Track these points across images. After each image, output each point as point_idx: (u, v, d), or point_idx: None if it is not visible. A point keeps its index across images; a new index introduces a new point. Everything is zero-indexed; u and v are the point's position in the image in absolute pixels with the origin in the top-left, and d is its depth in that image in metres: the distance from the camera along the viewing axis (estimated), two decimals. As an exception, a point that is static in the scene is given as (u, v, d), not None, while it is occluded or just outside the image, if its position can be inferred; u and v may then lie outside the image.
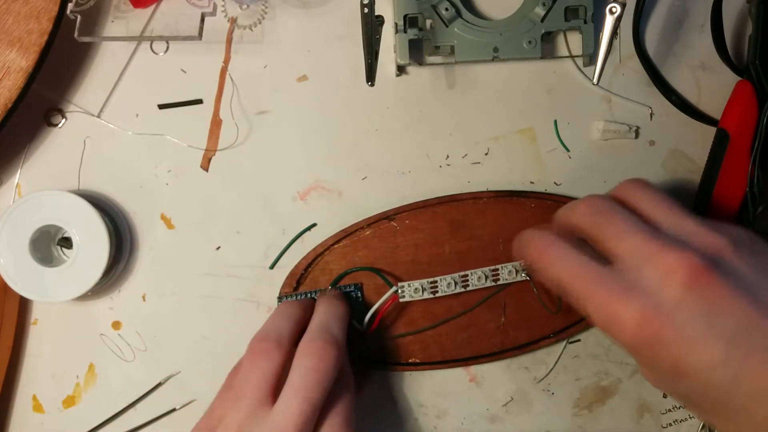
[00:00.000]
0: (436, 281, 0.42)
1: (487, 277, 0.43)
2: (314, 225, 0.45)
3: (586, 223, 0.35)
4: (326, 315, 0.39)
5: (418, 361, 0.44)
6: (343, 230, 0.44)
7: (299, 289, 0.43)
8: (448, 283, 0.42)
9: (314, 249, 0.44)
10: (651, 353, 0.32)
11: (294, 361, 0.36)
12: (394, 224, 0.44)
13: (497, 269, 0.43)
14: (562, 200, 0.44)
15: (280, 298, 0.43)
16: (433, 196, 0.44)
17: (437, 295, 0.42)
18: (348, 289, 0.43)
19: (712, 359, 0.30)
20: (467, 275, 0.43)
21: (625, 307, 0.31)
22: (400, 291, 0.42)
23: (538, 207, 0.44)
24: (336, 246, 0.44)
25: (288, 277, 0.43)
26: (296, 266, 0.44)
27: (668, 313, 0.31)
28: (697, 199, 0.45)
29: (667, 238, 0.33)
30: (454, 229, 0.43)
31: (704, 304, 0.30)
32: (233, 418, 0.35)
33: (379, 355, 0.44)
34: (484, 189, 0.45)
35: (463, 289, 0.43)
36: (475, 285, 0.43)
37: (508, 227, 0.43)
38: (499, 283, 0.43)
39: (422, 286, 0.42)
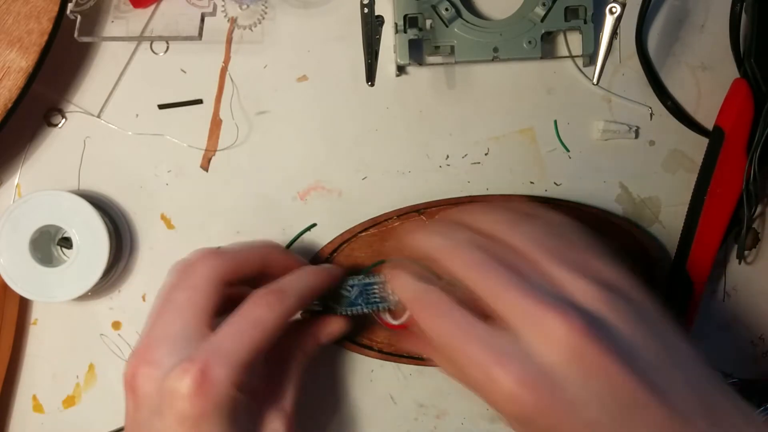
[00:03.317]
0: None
1: None
2: (314, 225, 0.45)
3: (469, 278, 0.33)
4: (298, 280, 0.38)
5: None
6: (371, 219, 0.43)
7: None
8: None
9: (341, 235, 0.43)
10: (528, 418, 0.31)
11: (246, 303, 0.35)
12: (424, 218, 0.43)
13: None
14: (591, 211, 0.44)
15: None
16: (432, 197, 0.44)
17: None
18: (375, 280, 0.40)
19: (589, 423, 0.30)
20: None
21: (502, 371, 0.30)
22: None
23: (568, 216, 0.43)
24: (363, 234, 0.43)
25: (312, 260, 0.43)
26: (322, 250, 0.43)
27: (547, 376, 0.30)
28: (693, 197, 0.45)
29: (545, 293, 0.31)
30: None
31: (581, 365, 0.30)
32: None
33: (386, 347, 0.44)
34: (485, 189, 0.45)
35: None
36: None
37: None
38: None
39: None
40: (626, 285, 0.33)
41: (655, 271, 0.44)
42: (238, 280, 0.37)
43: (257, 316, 0.35)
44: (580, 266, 0.33)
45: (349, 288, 0.40)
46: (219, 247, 0.38)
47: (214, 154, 0.45)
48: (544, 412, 0.30)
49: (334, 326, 0.41)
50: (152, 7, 0.44)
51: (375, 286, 0.40)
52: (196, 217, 0.45)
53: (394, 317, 0.41)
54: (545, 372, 0.30)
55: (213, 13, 0.42)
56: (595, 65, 0.39)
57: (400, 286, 0.36)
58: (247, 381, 0.33)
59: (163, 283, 0.37)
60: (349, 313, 0.40)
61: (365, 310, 0.40)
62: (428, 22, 0.43)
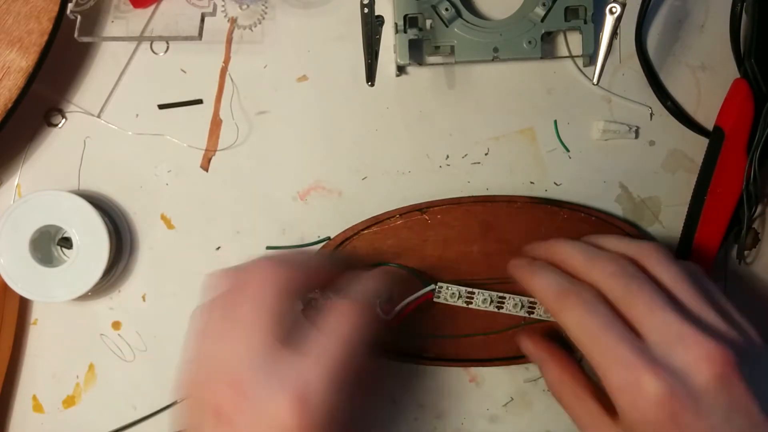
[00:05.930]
0: (473, 293, 0.42)
1: (522, 306, 0.42)
2: (328, 238, 0.44)
3: (614, 286, 0.35)
4: (372, 284, 0.38)
5: (432, 356, 0.44)
6: (374, 217, 0.43)
7: None
8: (484, 299, 0.42)
9: (343, 232, 0.43)
10: (657, 427, 0.32)
11: (330, 313, 0.34)
12: (426, 217, 0.43)
13: (535, 303, 0.42)
14: (594, 214, 0.44)
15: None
16: (433, 197, 0.44)
17: (470, 306, 0.42)
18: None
19: None
20: (504, 298, 0.42)
21: (652, 379, 0.32)
22: (436, 290, 0.42)
23: (570, 218, 0.43)
24: (365, 232, 0.43)
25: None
26: (323, 248, 0.44)
27: (694, 397, 0.31)
28: (693, 197, 0.45)
29: (699, 322, 0.33)
30: (484, 230, 0.43)
31: (728, 397, 0.31)
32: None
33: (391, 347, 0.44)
34: (485, 189, 0.45)
35: (496, 310, 0.42)
36: (509, 311, 0.42)
37: (538, 234, 0.43)
38: (532, 316, 0.43)
39: (459, 293, 0.42)
40: (755, 335, 0.35)
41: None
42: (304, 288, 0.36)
43: (342, 332, 0.33)
44: (721, 311, 0.35)
45: None
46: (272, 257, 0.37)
47: (214, 154, 0.45)
48: (680, 428, 0.31)
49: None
50: (152, 7, 0.44)
51: None
52: (196, 217, 0.45)
53: (384, 312, 0.41)
54: (693, 393, 0.31)
55: (213, 13, 0.42)
56: (595, 65, 0.39)
57: (542, 281, 0.37)
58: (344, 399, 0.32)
59: (208, 295, 0.35)
60: (395, 311, 0.42)
61: (403, 305, 0.42)
62: (428, 22, 0.43)
